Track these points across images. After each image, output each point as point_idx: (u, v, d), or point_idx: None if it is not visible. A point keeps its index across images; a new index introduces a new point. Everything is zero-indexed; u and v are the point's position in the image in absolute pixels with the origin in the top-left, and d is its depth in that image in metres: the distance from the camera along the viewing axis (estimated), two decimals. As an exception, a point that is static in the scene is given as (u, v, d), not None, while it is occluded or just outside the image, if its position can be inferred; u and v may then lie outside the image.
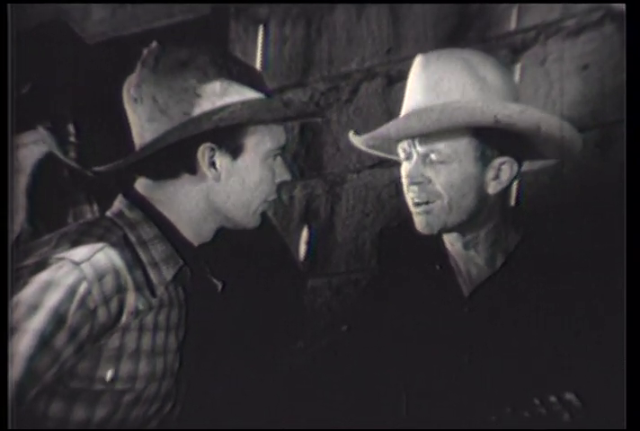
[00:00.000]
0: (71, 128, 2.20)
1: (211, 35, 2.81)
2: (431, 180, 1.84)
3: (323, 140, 2.64)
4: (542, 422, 1.66)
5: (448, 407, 1.83)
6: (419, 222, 1.87)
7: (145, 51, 1.74)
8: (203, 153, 1.70)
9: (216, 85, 1.71)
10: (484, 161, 1.86)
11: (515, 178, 1.91)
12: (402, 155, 1.90)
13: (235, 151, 1.72)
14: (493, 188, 1.88)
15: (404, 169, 1.89)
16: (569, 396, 1.67)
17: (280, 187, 1.81)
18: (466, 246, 1.89)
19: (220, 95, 1.71)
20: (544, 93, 2.30)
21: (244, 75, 1.76)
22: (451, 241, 1.92)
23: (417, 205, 1.86)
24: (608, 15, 2.28)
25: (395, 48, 2.55)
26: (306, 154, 2.67)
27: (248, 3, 2.77)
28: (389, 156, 2.04)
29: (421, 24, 2.50)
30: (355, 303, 2.26)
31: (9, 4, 1.78)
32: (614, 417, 1.59)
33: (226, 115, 1.68)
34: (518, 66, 2.36)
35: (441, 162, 1.83)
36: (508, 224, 1.91)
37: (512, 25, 2.38)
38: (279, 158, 1.78)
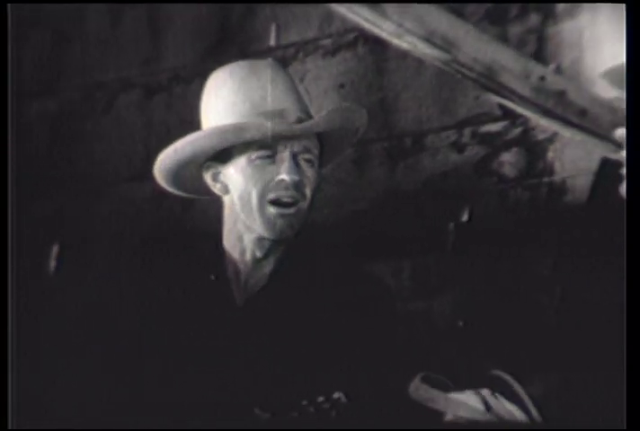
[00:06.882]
0: None
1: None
2: (302, 181, 1.84)
3: (78, 151, 2.55)
4: (312, 420, 1.68)
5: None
6: (283, 225, 1.84)
7: None
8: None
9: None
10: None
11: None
12: (259, 154, 1.85)
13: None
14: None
15: (261, 169, 1.85)
16: (337, 394, 1.70)
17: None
18: (266, 255, 1.89)
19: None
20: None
21: None
22: (244, 251, 1.90)
23: (286, 206, 1.83)
24: (361, 37, 2.35)
25: (154, 59, 2.51)
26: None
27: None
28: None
29: (181, 36, 2.47)
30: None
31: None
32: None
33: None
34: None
35: (312, 163, 1.85)
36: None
37: (272, 41, 2.41)
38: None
